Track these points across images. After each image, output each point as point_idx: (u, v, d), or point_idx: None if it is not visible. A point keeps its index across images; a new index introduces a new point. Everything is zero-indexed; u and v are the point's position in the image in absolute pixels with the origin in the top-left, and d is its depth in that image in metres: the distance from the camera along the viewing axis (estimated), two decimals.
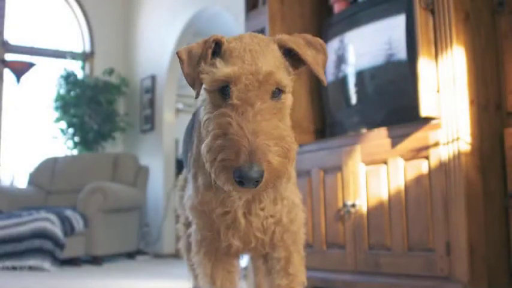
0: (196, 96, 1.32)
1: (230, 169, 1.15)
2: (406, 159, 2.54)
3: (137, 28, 6.68)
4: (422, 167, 2.46)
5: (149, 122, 6.26)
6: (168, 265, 5.01)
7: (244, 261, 2.70)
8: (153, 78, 6.24)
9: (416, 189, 2.48)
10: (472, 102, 2.39)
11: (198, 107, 1.57)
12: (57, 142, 6.27)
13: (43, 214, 4.64)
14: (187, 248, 2.10)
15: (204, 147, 1.21)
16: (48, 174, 5.81)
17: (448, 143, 2.36)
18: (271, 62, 1.26)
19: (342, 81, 3.12)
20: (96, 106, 6.15)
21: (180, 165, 6.24)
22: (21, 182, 6.22)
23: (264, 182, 1.15)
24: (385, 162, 2.63)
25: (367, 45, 2.95)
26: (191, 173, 1.54)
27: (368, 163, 2.73)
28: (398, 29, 2.73)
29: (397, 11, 2.75)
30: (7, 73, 5.96)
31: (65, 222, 4.70)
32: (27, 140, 6.41)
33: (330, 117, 3.26)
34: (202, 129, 1.32)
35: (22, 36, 6.35)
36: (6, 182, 6.12)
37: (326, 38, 3.19)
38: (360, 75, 3.01)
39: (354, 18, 3.04)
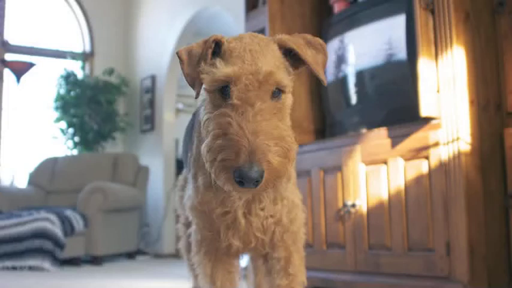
0: (196, 96, 1.32)
1: (230, 169, 1.15)
2: (406, 159, 2.54)
3: (137, 28, 6.68)
4: (422, 167, 2.46)
5: (149, 122, 6.26)
6: (168, 265, 5.01)
7: (244, 261, 2.70)
8: (153, 78, 6.24)
9: (416, 189, 2.48)
10: (472, 102, 2.39)
11: (198, 107, 1.57)
12: (57, 142, 6.27)
13: (43, 214, 4.64)
14: (187, 248, 2.10)
15: (204, 147, 1.21)
16: (48, 174, 5.81)
17: (448, 143, 2.36)
18: (271, 62, 1.26)
19: (342, 81, 3.12)
20: (96, 106, 6.15)
21: (180, 165, 6.24)
22: (21, 182, 6.23)
23: (264, 182, 1.15)
24: (385, 162, 2.63)
25: (367, 45, 2.95)
26: (191, 173, 1.54)
27: (368, 163, 2.73)
28: (398, 29, 2.73)
29: (397, 11, 2.75)
30: (7, 73, 5.96)
31: (65, 222, 4.70)
32: (27, 140, 6.41)
33: (330, 117, 3.26)
34: (202, 129, 1.32)
35: (22, 36, 6.36)
36: (6, 182, 6.12)
37: (326, 38, 3.19)
38: (359, 75, 3.01)
39: (354, 18, 3.04)
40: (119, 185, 5.44)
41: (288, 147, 1.20)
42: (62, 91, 6.11)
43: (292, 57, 1.36)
